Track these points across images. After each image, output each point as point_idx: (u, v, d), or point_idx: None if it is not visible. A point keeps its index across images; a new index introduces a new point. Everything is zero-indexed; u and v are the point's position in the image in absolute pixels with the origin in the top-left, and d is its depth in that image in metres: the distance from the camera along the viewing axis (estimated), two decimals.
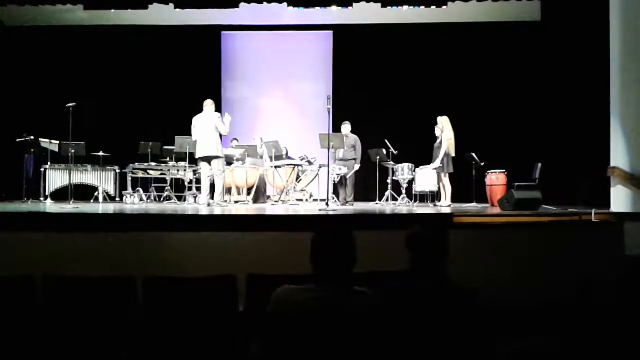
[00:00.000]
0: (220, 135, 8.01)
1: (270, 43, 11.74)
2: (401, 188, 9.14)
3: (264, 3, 9.16)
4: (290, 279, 2.45)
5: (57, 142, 9.17)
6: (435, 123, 8.83)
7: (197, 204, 8.60)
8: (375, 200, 9.42)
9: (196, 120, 8.01)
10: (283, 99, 11.76)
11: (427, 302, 2.35)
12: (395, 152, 9.36)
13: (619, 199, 6.94)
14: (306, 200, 9.66)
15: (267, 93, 11.77)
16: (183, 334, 3.06)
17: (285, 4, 9.07)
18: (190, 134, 8.40)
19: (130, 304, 3.20)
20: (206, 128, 7.90)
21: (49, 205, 8.16)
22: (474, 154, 9.21)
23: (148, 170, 9.48)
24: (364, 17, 10.74)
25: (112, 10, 9.94)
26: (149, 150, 9.44)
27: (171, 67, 11.06)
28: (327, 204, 7.48)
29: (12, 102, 10.47)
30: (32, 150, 9.41)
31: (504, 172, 9.19)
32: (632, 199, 6.83)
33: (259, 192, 9.70)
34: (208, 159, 7.92)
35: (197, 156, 8.08)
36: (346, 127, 9.17)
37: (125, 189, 9.36)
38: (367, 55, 11.16)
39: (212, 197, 7.99)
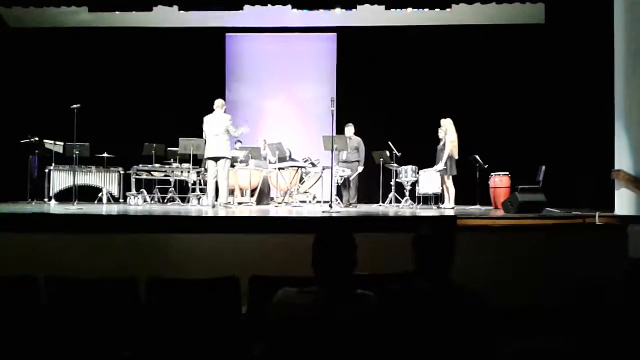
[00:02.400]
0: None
1: (275, 45, 11.75)
2: (405, 190, 9.14)
3: (268, 5, 9.17)
4: (294, 281, 2.45)
5: (62, 143, 9.20)
6: (439, 125, 8.82)
7: (200, 206, 8.62)
8: (378, 202, 9.42)
9: (207, 120, 8.02)
10: (287, 101, 11.77)
11: (430, 305, 2.34)
12: (398, 154, 9.35)
13: (623, 202, 6.93)
14: (310, 202, 9.67)
15: (271, 95, 11.79)
16: (186, 336, 3.06)
17: (289, 6, 9.08)
18: (196, 135, 8.44)
19: (133, 306, 3.21)
20: (216, 129, 7.91)
21: (54, 206, 8.18)
22: (477, 157, 9.20)
23: (152, 172, 9.50)
24: (367, 20, 10.74)
25: (117, 12, 9.97)
26: (153, 151, 9.46)
27: (176, 69, 11.08)
28: (330, 206, 7.48)
29: (17, 103, 10.51)
30: (36, 151, 9.44)
31: (507, 174, 9.18)
32: (636, 202, 6.82)
33: (262, 194, 9.71)
34: (216, 160, 7.93)
35: (205, 156, 8.10)
36: (350, 129, 9.17)
37: (129, 191, 9.37)
38: (371, 58, 11.16)
39: (216, 199, 8.00)
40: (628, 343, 2.92)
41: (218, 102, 8.13)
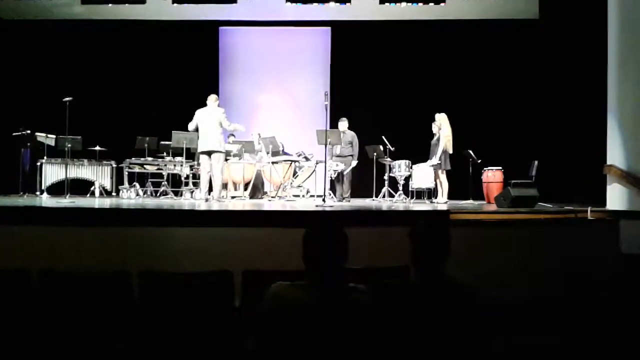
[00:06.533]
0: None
1: (269, 39, 11.72)
2: (398, 185, 9.15)
3: None
4: (287, 275, 2.45)
5: (54, 136, 9.15)
6: (433, 120, 8.82)
7: (193, 199, 8.60)
8: (372, 196, 9.43)
9: (199, 114, 8.00)
10: (281, 95, 11.75)
11: (424, 298, 2.35)
12: (392, 148, 9.35)
13: (615, 197, 6.96)
14: (303, 196, 9.66)
15: (265, 89, 11.76)
16: (179, 330, 3.05)
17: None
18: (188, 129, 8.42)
19: (125, 299, 3.20)
20: (210, 123, 7.90)
21: (46, 200, 8.15)
22: (471, 151, 9.21)
23: (145, 166, 9.46)
24: (362, 14, 10.72)
25: (110, 5, 9.91)
26: (146, 145, 9.43)
27: (169, 62, 11.03)
28: (324, 200, 7.49)
29: (9, 96, 10.44)
30: (28, 144, 9.38)
31: (500, 169, 9.20)
32: (628, 197, 6.86)
33: (255, 188, 9.70)
34: (209, 154, 7.92)
35: (198, 150, 8.10)
36: (344, 124, 9.16)
37: (122, 184, 9.34)
38: (365, 52, 11.15)
39: (209, 193, 7.99)
40: (618, 339, 2.94)
41: (211, 97, 8.13)
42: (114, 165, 9.66)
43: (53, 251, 4.59)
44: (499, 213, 6.55)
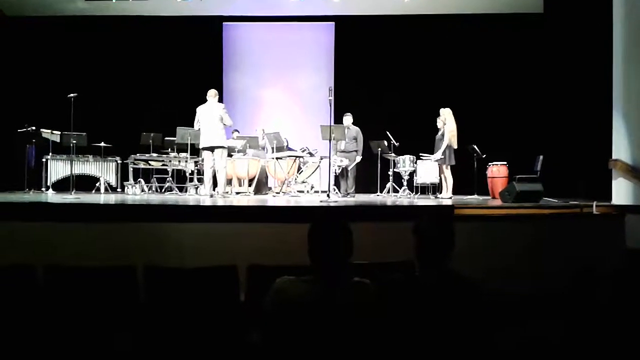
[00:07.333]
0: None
1: (272, 34, 11.70)
2: (402, 180, 9.14)
3: None
4: (291, 270, 2.46)
5: (59, 132, 9.16)
6: (438, 115, 8.80)
7: (198, 195, 8.62)
8: (376, 192, 9.42)
9: (200, 111, 8.02)
10: (285, 90, 11.74)
11: (429, 294, 2.35)
12: (397, 144, 9.34)
13: (621, 192, 6.95)
14: (307, 192, 9.66)
15: (269, 84, 11.75)
16: (184, 324, 3.07)
17: None
18: (193, 125, 8.43)
19: (131, 294, 3.21)
20: (210, 119, 7.91)
21: (51, 196, 8.16)
22: (475, 146, 9.19)
23: (149, 161, 9.48)
24: (366, 9, 10.71)
25: (114, 1, 9.93)
26: (151, 141, 9.44)
27: (173, 58, 11.03)
28: (328, 195, 7.48)
29: (14, 92, 10.47)
30: (33, 141, 9.40)
31: (505, 164, 9.18)
32: (633, 191, 6.84)
33: (260, 184, 9.70)
34: (211, 149, 7.94)
35: (200, 146, 8.11)
36: (348, 119, 9.14)
37: (127, 180, 9.36)
38: (369, 47, 11.12)
39: (214, 189, 8.00)
40: (623, 333, 2.93)
41: (211, 92, 8.12)
42: (119, 161, 9.68)
43: (58, 247, 4.61)
44: (503, 208, 6.55)
